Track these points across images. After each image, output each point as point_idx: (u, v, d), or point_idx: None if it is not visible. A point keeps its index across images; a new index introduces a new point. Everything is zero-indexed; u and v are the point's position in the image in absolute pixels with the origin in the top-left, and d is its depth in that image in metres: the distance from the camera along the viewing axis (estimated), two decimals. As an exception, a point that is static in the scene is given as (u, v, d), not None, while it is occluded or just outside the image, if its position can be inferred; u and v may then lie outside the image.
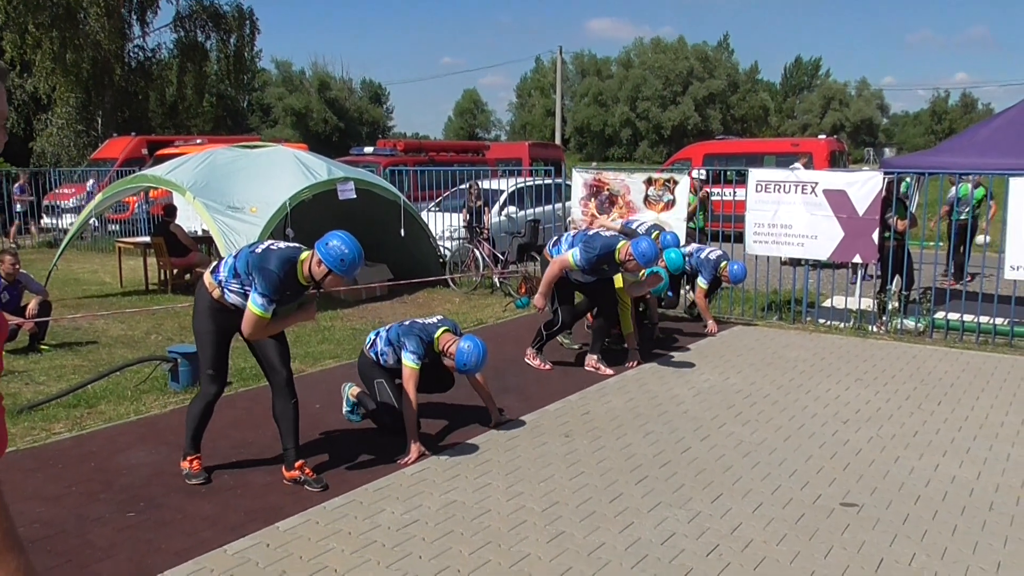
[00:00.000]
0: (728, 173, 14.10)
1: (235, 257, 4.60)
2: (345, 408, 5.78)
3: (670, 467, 5.02)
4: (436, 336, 5.40)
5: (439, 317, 5.68)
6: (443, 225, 12.46)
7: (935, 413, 6.13)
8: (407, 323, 5.57)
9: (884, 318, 9.01)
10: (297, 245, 4.62)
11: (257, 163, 10.60)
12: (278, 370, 4.72)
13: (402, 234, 11.34)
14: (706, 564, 3.82)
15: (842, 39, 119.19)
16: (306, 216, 10.64)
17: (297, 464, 4.68)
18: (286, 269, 4.42)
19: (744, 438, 5.56)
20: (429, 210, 12.90)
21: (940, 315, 8.91)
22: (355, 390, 5.74)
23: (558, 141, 44.16)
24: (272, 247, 4.53)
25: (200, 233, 12.70)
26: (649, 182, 10.13)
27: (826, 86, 71.68)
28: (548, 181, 13.33)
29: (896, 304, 9.05)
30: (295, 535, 4.09)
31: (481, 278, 11.74)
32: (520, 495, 4.59)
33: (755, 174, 9.44)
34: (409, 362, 5.25)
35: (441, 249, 12.24)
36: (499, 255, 11.71)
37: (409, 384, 5.20)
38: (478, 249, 11.75)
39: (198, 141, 19.36)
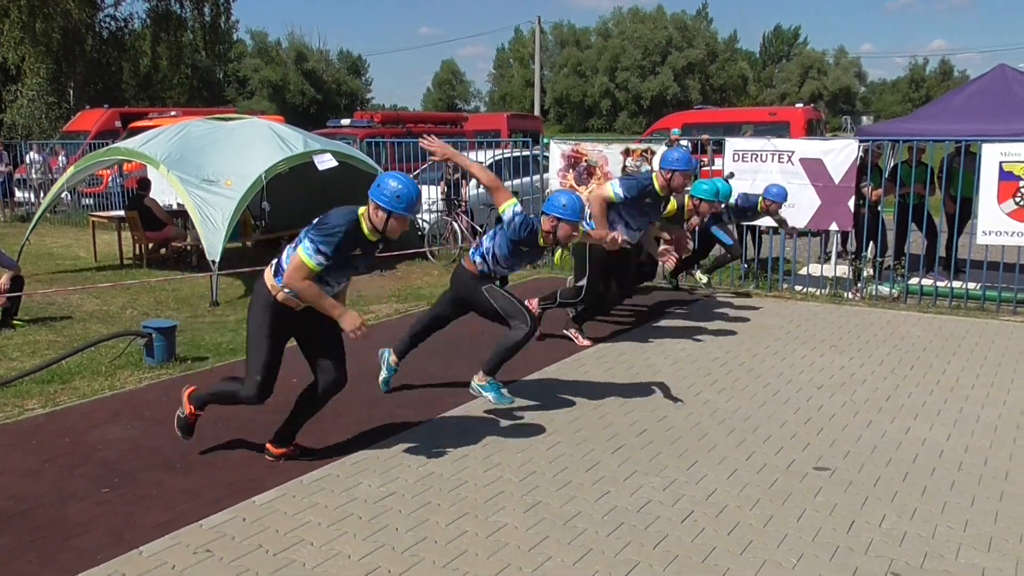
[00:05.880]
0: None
1: (294, 248, 4.30)
2: (383, 373, 5.73)
3: (646, 436, 5.07)
4: (538, 229, 5.22)
5: (515, 206, 5.23)
6: (421, 198, 12.36)
7: (908, 377, 6.22)
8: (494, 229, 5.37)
9: (859, 285, 9.10)
10: (352, 207, 4.40)
11: (232, 136, 10.46)
12: (328, 371, 4.54)
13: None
14: (681, 530, 3.87)
15: (821, 6, 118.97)
16: (283, 189, 10.55)
17: (290, 446, 4.68)
18: (350, 220, 4.24)
19: (719, 406, 5.61)
20: (407, 182, 12.79)
21: (914, 281, 9.01)
22: (395, 358, 5.71)
23: (537, 112, 43.95)
24: (332, 210, 4.35)
25: (175, 207, 12.55)
26: (627, 153, 10.12)
27: (804, 55, 71.68)
28: (527, 153, 13.26)
29: (871, 271, 9.13)
30: (271, 509, 4.09)
31: (460, 251, 11.71)
32: (497, 466, 4.61)
33: (732, 143, 9.46)
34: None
35: (419, 222, 12.18)
36: (477, 227, 11.68)
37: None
38: (456, 222, 11.71)
39: (173, 113, 19.07)
